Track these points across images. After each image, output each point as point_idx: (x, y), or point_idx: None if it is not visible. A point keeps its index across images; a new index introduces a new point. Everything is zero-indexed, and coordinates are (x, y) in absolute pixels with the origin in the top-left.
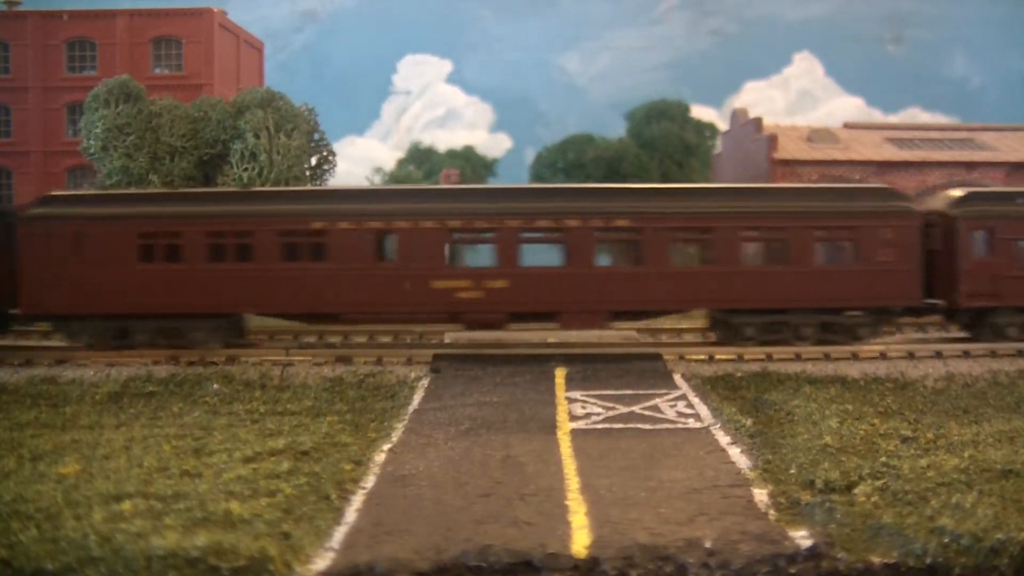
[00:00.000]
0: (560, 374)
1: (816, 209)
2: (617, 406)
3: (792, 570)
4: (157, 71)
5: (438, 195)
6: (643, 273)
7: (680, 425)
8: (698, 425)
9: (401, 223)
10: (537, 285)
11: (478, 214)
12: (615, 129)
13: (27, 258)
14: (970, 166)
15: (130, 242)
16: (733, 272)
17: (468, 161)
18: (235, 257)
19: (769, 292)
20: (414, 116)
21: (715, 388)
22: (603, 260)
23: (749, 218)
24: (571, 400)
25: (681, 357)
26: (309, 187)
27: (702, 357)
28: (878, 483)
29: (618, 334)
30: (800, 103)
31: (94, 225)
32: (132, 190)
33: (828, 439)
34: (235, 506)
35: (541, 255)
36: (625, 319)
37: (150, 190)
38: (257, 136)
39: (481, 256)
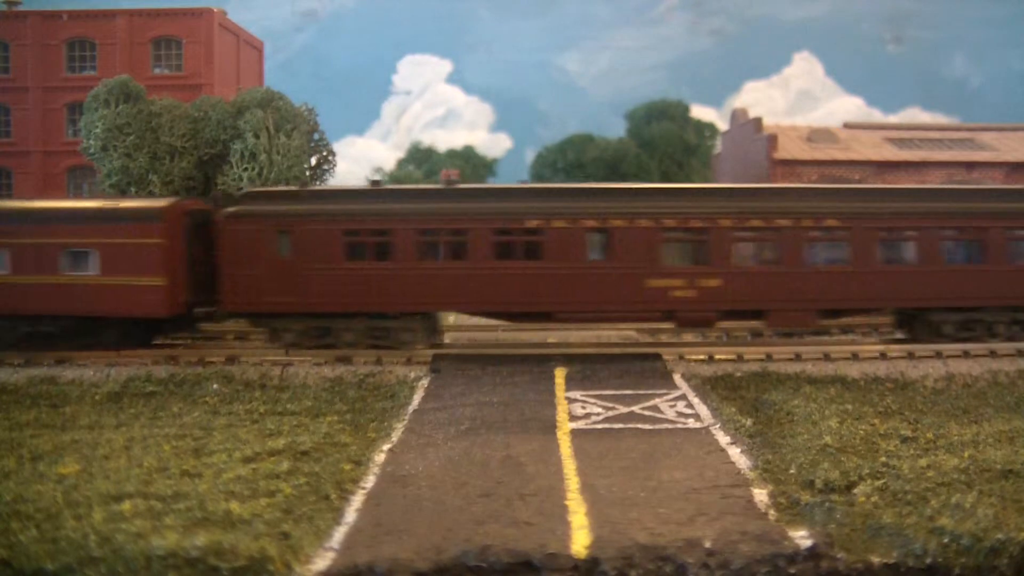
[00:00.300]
0: (560, 374)
1: (1017, 209)
2: (617, 406)
3: (792, 570)
4: (157, 71)
5: (653, 194)
6: (850, 272)
7: (680, 425)
8: (698, 425)
9: (616, 221)
10: (749, 284)
11: (692, 213)
12: (615, 129)
13: (228, 255)
14: (970, 166)
15: (336, 239)
16: (935, 271)
17: (468, 161)
18: (447, 255)
19: (967, 290)
20: (414, 116)
21: (715, 388)
22: (811, 259)
23: (954, 218)
24: (571, 400)
25: (681, 357)
26: (524, 184)
27: (702, 357)
28: (878, 483)
29: (618, 334)
30: (800, 103)
31: (300, 222)
32: (339, 186)
33: (828, 439)
34: (235, 506)
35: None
36: (829, 317)
37: (358, 186)
38: (257, 136)
39: (687, 255)
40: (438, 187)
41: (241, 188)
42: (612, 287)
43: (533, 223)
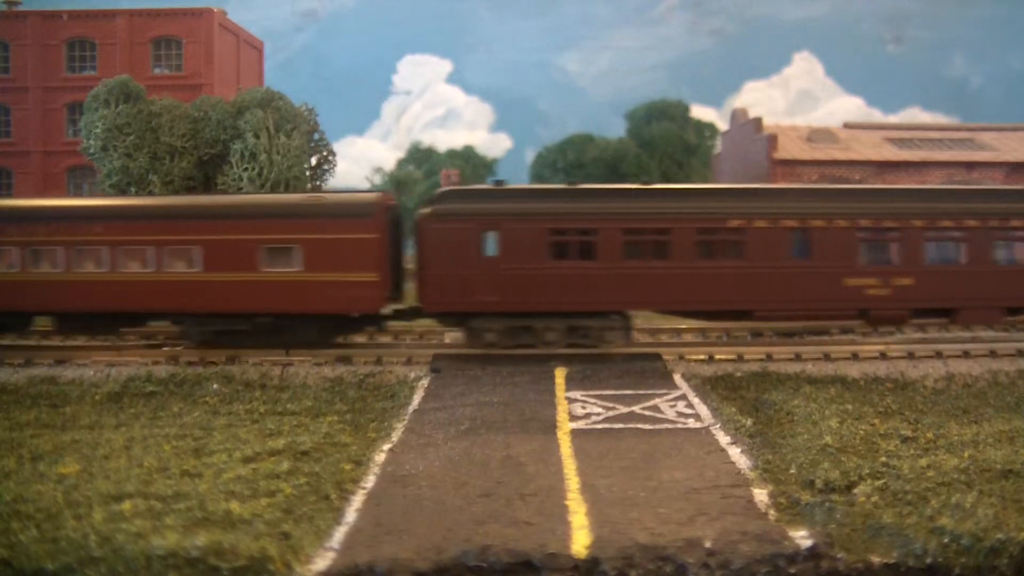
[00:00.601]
0: (560, 374)
1: None
2: (617, 406)
3: (792, 570)
4: (157, 71)
5: (849, 195)
6: None
7: (680, 425)
8: (698, 425)
9: (816, 221)
10: (940, 282)
11: (887, 214)
12: (615, 129)
13: (429, 255)
14: (970, 166)
15: (541, 239)
16: None
17: (468, 161)
18: (650, 254)
19: None
20: (414, 116)
21: (715, 388)
22: (997, 258)
23: None
24: (571, 400)
25: (681, 357)
26: (725, 185)
27: (702, 357)
28: (878, 483)
29: None
30: (800, 103)
31: (503, 221)
32: (542, 185)
33: (828, 439)
34: (235, 506)
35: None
36: (1010, 315)
37: (561, 185)
38: (257, 136)
39: (881, 254)
40: (642, 187)
41: (241, 188)
42: (811, 286)
43: (735, 223)
